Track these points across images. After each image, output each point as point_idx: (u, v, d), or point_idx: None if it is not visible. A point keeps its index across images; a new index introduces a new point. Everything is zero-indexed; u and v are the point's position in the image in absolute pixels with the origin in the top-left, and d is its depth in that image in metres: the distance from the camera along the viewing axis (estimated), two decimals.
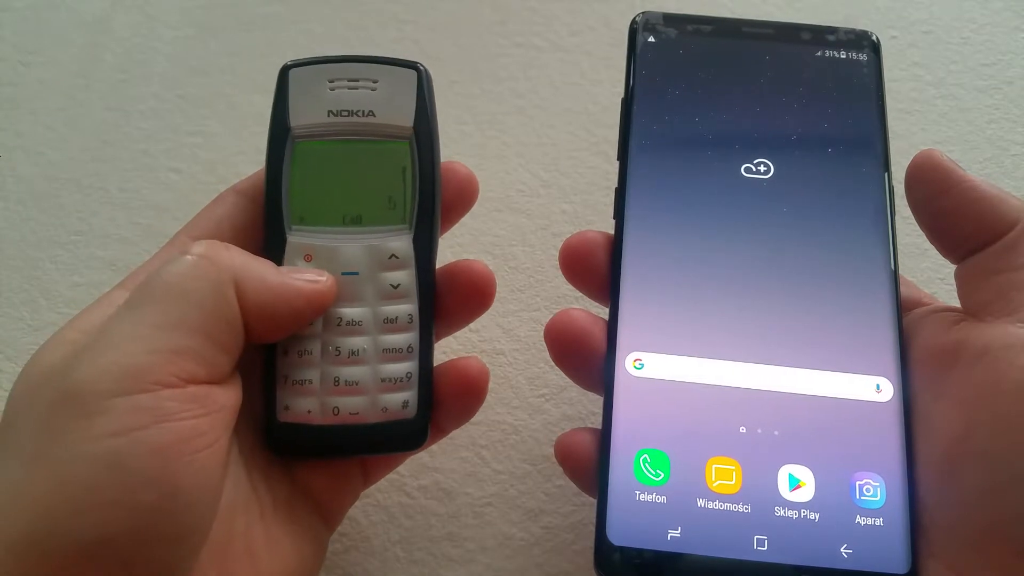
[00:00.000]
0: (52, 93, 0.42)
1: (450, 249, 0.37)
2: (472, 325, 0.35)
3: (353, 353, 0.26)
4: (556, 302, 0.36)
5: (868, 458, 0.24)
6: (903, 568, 0.23)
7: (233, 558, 0.23)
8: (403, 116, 0.26)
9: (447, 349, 0.35)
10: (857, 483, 0.24)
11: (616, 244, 0.27)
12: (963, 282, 0.25)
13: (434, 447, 0.32)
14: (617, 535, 0.23)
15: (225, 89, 0.42)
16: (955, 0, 0.43)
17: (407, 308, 0.26)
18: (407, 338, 0.26)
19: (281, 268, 0.25)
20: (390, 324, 0.26)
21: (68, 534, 0.19)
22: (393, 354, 0.26)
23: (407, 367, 0.26)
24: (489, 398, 0.34)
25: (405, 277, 0.26)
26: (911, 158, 0.26)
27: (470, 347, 0.35)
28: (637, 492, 0.24)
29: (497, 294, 0.36)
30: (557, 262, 0.36)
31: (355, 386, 0.26)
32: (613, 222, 0.27)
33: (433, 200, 0.27)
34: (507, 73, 0.42)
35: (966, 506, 0.22)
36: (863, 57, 0.29)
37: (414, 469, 0.32)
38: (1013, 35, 0.42)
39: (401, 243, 0.26)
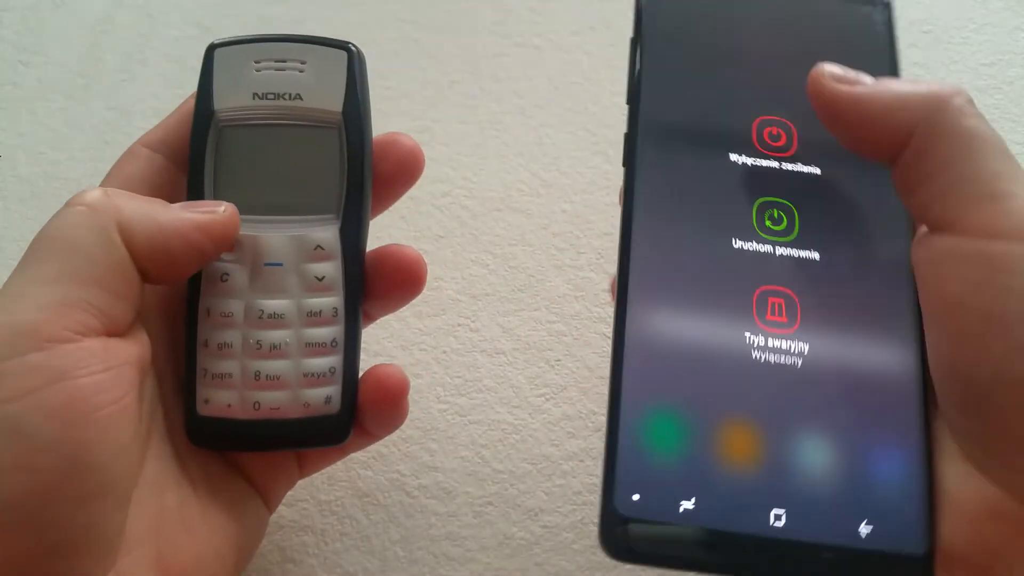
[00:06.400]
0: (52, 93, 0.42)
1: (450, 248, 0.37)
2: (472, 325, 0.35)
3: (275, 347, 0.25)
4: (556, 302, 0.36)
5: (891, 430, 0.23)
6: (921, 548, 0.22)
7: (169, 532, 0.23)
8: (332, 100, 0.26)
9: (445, 347, 0.35)
10: (878, 456, 0.23)
11: (627, 191, 0.25)
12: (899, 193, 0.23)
13: (434, 446, 0.32)
14: (625, 506, 0.22)
15: None
16: (955, 0, 0.44)
17: (332, 301, 0.26)
18: (331, 332, 0.26)
19: (175, 204, 0.24)
20: (314, 317, 0.25)
21: None
22: (316, 348, 0.25)
23: (331, 362, 0.25)
24: (489, 397, 0.34)
25: (331, 269, 0.25)
26: None
27: (470, 346, 0.35)
28: (648, 458, 0.22)
29: (497, 294, 0.36)
30: (557, 262, 0.37)
31: (276, 380, 0.25)
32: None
33: (362, 188, 0.26)
34: (507, 73, 0.42)
35: (955, 433, 0.21)
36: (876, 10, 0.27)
37: (414, 468, 0.32)
38: (1013, 35, 0.42)
39: (327, 233, 0.25)
